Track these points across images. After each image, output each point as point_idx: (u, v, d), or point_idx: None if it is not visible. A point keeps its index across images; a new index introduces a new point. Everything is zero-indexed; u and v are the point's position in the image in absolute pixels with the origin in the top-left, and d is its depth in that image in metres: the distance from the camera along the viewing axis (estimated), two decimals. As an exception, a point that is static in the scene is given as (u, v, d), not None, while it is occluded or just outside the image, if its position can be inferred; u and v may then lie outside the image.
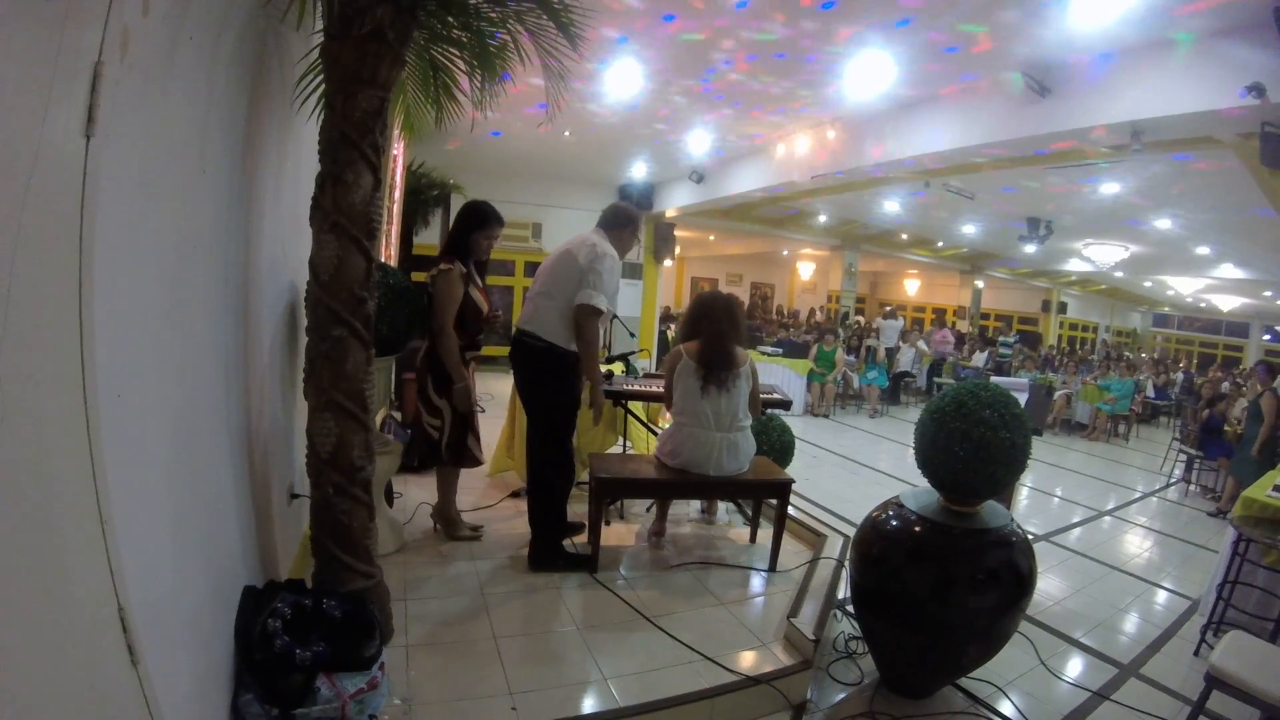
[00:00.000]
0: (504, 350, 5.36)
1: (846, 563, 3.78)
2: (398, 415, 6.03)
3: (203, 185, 1.98)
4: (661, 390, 4.22)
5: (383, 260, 5.17)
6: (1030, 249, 12.57)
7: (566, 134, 8.74)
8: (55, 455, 1.26)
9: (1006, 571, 2.91)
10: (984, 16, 4.78)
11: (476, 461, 4.18)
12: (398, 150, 6.64)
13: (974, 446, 2.85)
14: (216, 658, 2.05)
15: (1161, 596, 5.13)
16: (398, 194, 7.22)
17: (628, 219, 4.08)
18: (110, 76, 1.34)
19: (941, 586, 2.87)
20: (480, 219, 3.97)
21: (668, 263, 14.44)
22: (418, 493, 4.76)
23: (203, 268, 2.03)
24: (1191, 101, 4.67)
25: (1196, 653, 4.05)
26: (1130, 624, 4.54)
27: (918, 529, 3.00)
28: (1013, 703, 3.23)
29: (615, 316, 4.62)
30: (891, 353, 14.61)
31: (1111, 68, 5.10)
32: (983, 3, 4.58)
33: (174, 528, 1.79)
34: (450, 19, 2.79)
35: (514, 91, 3.13)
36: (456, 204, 7.46)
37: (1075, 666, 3.79)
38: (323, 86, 2.54)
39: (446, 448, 3.99)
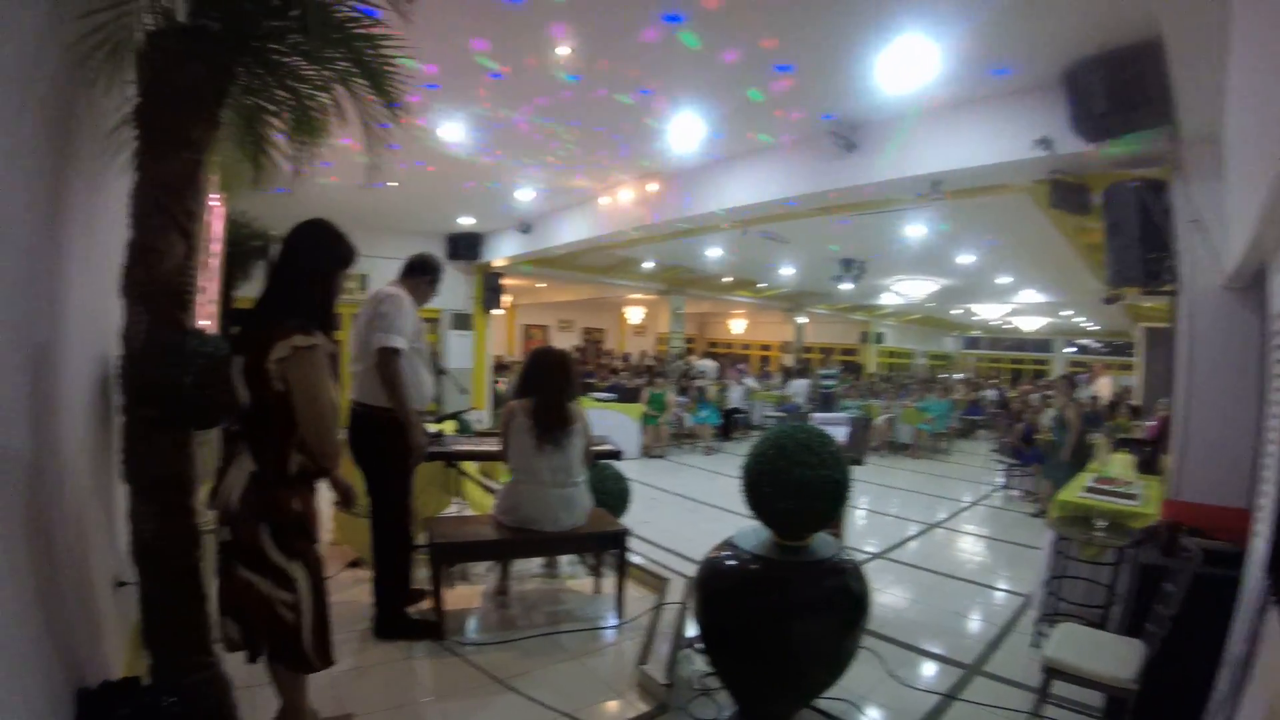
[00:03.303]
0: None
1: (689, 604, 3.85)
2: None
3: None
4: (498, 449, 4.16)
5: (202, 323, 4.86)
6: (846, 287, 13.38)
7: (394, 184, 8.65)
8: None
9: (842, 597, 3.06)
10: (793, 76, 5.07)
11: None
12: (218, 201, 6.27)
13: (797, 487, 3.00)
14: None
15: (997, 596, 5.52)
16: (217, 247, 6.78)
17: (423, 267, 4.11)
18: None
19: (782, 618, 2.97)
20: (347, 253, 2.82)
21: (497, 311, 14.38)
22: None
23: (4, 346, 1.83)
24: (987, 155, 5.12)
25: (1035, 644, 4.37)
26: (971, 626, 4.86)
27: (754, 567, 3.09)
28: (867, 716, 3.42)
29: (444, 371, 4.57)
30: (722, 391, 15.12)
31: (913, 125, 5.53)
32: (792, 62, 4.84)
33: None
34: (269, 78, 2.70)
35: (339, 143, 3.02)
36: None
37: (924, 672, 4.03)
38: (135, 144, 2.37)
39: (312, 639, 2.54)
